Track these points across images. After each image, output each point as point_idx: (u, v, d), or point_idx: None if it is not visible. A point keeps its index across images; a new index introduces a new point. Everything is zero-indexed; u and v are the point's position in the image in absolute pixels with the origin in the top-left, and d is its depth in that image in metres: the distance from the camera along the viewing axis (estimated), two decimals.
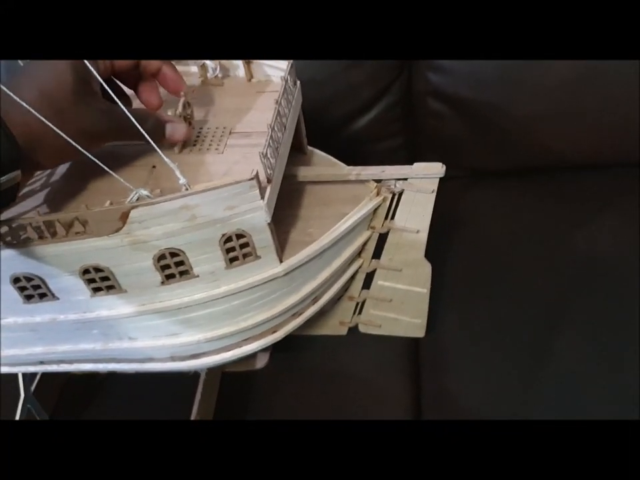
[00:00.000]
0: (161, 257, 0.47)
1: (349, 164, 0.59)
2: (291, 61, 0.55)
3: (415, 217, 0.55)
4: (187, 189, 0.44)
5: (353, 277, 0.61)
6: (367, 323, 0.65)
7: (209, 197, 0.44)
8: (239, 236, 0.47)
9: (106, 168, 0.43)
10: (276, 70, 0.57)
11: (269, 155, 0.47)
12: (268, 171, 0.47)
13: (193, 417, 0.62)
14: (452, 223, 0.79)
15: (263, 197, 0.46)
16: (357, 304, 0.64)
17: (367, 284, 0.62)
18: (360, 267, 0.60)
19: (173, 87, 0.52)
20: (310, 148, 0.60)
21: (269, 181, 0.47)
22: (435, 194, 0.53)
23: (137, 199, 0.44)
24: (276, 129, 0.49)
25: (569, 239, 0.75)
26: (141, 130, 0.42)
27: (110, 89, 0.45)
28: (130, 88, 0.53)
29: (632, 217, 0.76)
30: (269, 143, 0.48)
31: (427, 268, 0.58)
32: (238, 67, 0.59)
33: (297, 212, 0.55)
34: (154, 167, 0.51)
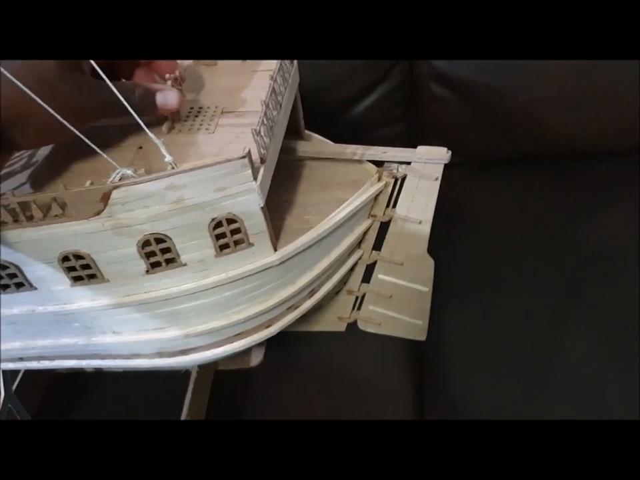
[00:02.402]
0: (146, 242, 0.44)
1: None
2: None
3: (418, 206, 0.52)
4: (173, 168, 0.41)
5: (352, 269, 0.57)
6: (366, 319, 0.61)
7: (197, 176, 0.41)
8: (230, 221, 0.44)
9: (90, 143, 0.39)
10: None
11: (262, 134, 0.44)
12: (261, 150, 0.44)
13: (183, 417, 0.59)
14: (454, 213, 0.76)
15: (255, 178, 0.42)
16: (356, 298, 0.60)
17: (367, 277, 0.58)
18: (360, 258, 0.56)
19: (170, 73, 0.48)
20: (307, 132, 0.57)
21: (262, 161, 0.44)
22: (439, 182, 0.50)
23: (120, 179, 0.41)
24: (270, 106, 0.46)
25: (576, 231, 0.72)
26: (125, 103, 0.39)
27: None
28: (125, 78, 0.50)
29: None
30: (263, 120, 0.44)
31: (429, 264, 0.55)
32: None
33: (293, 197, 0.52)
34: (140, 147, 0.48)
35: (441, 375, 0.61)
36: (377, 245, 0.56)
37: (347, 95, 0.77)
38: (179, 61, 0.53)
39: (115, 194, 0.41)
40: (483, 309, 0.65)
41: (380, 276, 0.57)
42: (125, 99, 0.43)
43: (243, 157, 0.41)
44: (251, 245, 0.46)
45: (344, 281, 0.58)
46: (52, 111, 0.37)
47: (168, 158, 0.41)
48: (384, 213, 0.53)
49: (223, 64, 0.55)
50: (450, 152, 0.49)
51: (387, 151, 0.50)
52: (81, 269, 0.45)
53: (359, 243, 0.55)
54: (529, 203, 0.76)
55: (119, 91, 0.42)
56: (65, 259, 0.44)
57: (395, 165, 0.51)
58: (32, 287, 0.46)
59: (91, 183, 0.41)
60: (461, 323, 0.64)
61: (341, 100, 0.77)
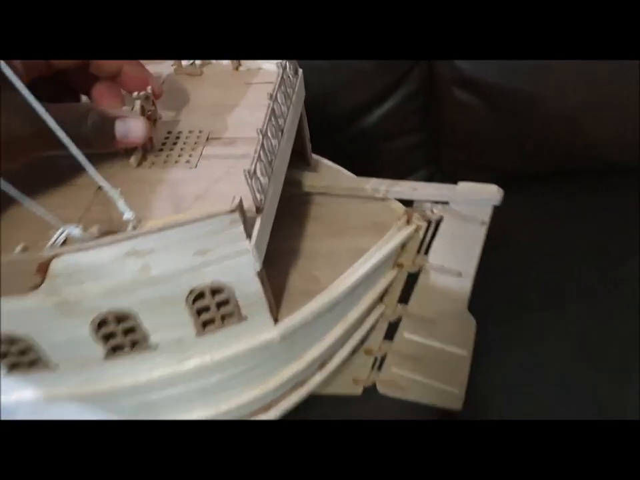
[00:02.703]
0: (102, 322, 0.33)
1: (357, 166, 0.45)
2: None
3: (457, 254, 0.41)
4: (134, 228, 0.30)
5: (372, 327, 0.46)
6: (387, 383, 0.50)
7: (169, 239, 0.30)
8: (215, 291, 0.33)
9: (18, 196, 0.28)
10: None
11: (258, 173, 0.33)
12: (257, 195, 0.33)
13: None
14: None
15: (249, 236, 0.31)
16: (376, 359, 0.49)
17: (390, 334, 0.47)
18: (382, 314, 0.45)
19: (140, 88, 0.37)
20: (315, 157, 0.46)
21: (258, 210, 0.33)
22: (486, 226, 0.39)
23: (64, 241, 0.30)
24: (269, 134, 0.35)
25: (620, 260, 0.61)
26: (60, 134, 0.28)
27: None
28: (81, 92, 0.39)
29: None
30: (259, 154, 0.33)
31: (470, 323, 0.44)
32: None
33: (299, 245, 0.41)
34: (99, 188, 0.36)
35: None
36: (403, 297, 0.45)
37: (356, 102, 0.66)
38: (155, 71, 0.42)
39: (56, 264, 0.30)
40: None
41: (406, 334, 0.46)
42: (74, 127, 0.33)
43: (232, 211, 0.30)
44: (243, 318, 0.35)
45: (362, 340, 0.47)
46: None
47: (127, 214, 0.30)
48: (413, 262, 0.42)
49: (209, 73, 0.44)
50: (502, 191, 0.37)
51: (417, 188, 0.39)
52: (17, 355, 0.34)
53: (380, 297, 0.44)
54: (564, 228, 0.65)
55: (67, 116, 0.32)
56: None
57: (429, 204, 0.40)
58: None
59: (24, 248, 0.30)
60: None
61: (349, 108, 0.66)
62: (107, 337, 0.33)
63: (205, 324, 0.34)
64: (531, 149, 0.68)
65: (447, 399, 0.49)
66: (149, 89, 0.37)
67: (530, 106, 0.66)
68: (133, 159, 0.37)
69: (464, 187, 0.38)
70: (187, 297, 0.33)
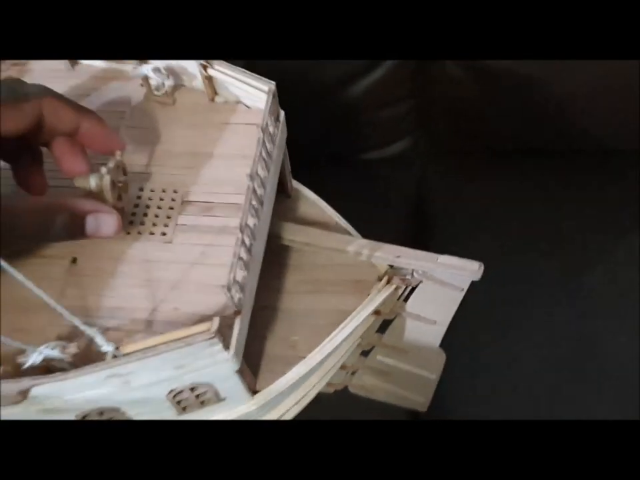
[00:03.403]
0: (87, 415, 0.33)
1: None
2: (272, 85, 0.37)
3: (434, 308, 0.41)
4: (114, 356, 0.30)
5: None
6: (358, 387, 0.53)
7: (148, 362, 0.30)
8: (195, 388, 0.33)
9: None
10: (247, 90, 0.39)
11: (237, 277, 0.32)
12: (236, 299, 0.32)
13: None
14: (462, 209, 0.65)
15: (228, 347, 0.31)
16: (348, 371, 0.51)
17: (364, 352, 0.49)
18: (358, 344, 0.46)
19: (104, 147, 0.35)
20: (295, 186, 0.44)
21: (237, 313, 0.32)
22: (464, 292, 0.39)
23: (41, 360, 0.30)
24: (249, 224, 0.34)
25: (598, 246, 0.62)
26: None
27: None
28: (42, 146, 0.36)
29: None
30: (239, 255, 0.32)
31: (440, 357, 0.46)
32: (195, 77, 0.40)
33: (276, 302, 0.41)
34: (74, 260, 0.35)
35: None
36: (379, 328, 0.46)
37: (344, 70, 0.61)
38: (123, 94, 0.39)
39: (36, 390, 0.30)
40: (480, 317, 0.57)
41: (379, 357, 0.48)
42: (42, 229, 0.32)
43: (212, 337, 0.30)
44: (221, 399, 0.36)
45: None
46: None
47: (106, 347, 0.30)
48: (391, 310, 0.42)
49: (182, 104, 0.41)
50: (482, 267, 0.37)
51: (400, 255, 0.39)
52: None
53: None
54: (545, 206, 0.65)
55: (35, 219, 0.31)
56: None
57: (410, 269, 0.39)
58: None
59: (4, 371, 0.30)
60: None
61: (337, 76, 0.61)
62: (90, 419, 0.34)
63: (185, 408, 0.35)
64: (518, 125, 0.66)
65: (413, 404, 0.52)
66: (117, 154, 0.35)
67: (521, 81, 0.63)
68: None
69: (446, 259, 0.38)
70: (167, 394, 0.33)
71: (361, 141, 0.69)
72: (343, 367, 0.50)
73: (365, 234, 0.43)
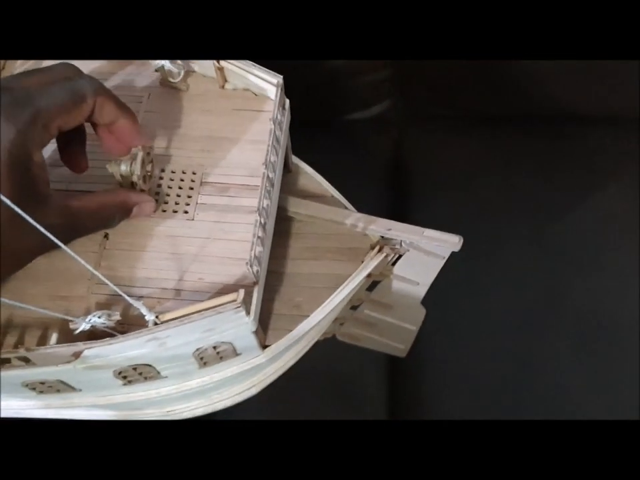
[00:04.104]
0: (123, 370, 0.39)
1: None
2: (280, 79, 0.41)
3: (418, 271, 0.47)
4: (155, 323, 0.35)
5: None
6: (345, 335, 0.59)
7: (183, 330, 0.35)
8: (217, 346, 0.39)
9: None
10: (255, 80, 0.43)
11: (256, 253, 0.37)
12: (255, 270, 0.37)
13: None
14: (436, 170, 0.70)
15: (249, 312, 0.37)
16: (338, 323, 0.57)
17: (353, 306, 0.55)
18: (348, 301, 0.52)
19: (132, 142, 0.39)
20: (295, 161, 0.49)
21: (255, 283, 0.38)
22: (445, 260, 0.45)
23: (90, 326, 0.35)
24: (264, 205, 0.38)
25: (570, 210, 0.68)
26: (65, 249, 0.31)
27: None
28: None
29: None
30: (258, 235, 0.37)
31: (420, 312, 0.52)
32: (206, 65, 0.44)
33: (281, 267, 0.46)
34: (106, 236, 0.40)
35: (413, 378, 0.62)
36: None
37: None
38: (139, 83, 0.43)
39: (87, 352, 0.35)
40: (458, 309, 0.64)
41: (366, 311, 0.54)
42: (99, 221, 0.37)
43: (238, 307, 0.35)
44: (238, 354, 0.41)
45: None
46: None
47: (149, 316, 0.35)
48: (381, 273, 0.48)
49: (195, 90, 0.45)
50: (462, 240, 0.43)
51: (391, 228, 0.44)
52: (46, 388, 0.40)
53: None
54: (517, 172, 0.70)
55: (92, 211, 0.38)
56: (27, 384, 0.39)
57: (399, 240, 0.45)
58: None
59: (59, 339, 0.35)
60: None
61: None
62: (125, 376, 0.40)
63: (205, 362, 0.41)
64: (489, 92, 0.71)
65: (394, 350, 0.59)
66: (146, 148, 0.39)
67: None
68: None
69: (431, 233, 0.43)
70: (194, 352, 0.39)
71: (343, 104, 0.74)
72: (334, 320, 0.56)
73: (346, 190, 0.48)
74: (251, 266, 0.36)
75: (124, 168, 0.38)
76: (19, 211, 0.25)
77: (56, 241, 0.29)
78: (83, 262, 0.31)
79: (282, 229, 0.47)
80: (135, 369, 0.39)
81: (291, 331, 0.43)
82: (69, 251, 0.30)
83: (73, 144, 0.39)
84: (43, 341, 0.38)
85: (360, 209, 0.47)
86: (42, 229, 0.27)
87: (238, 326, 0.37)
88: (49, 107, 0.34)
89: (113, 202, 0.38)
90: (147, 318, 0.35)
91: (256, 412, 0.61)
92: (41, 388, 0.40)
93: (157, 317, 0.35)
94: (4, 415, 0.45)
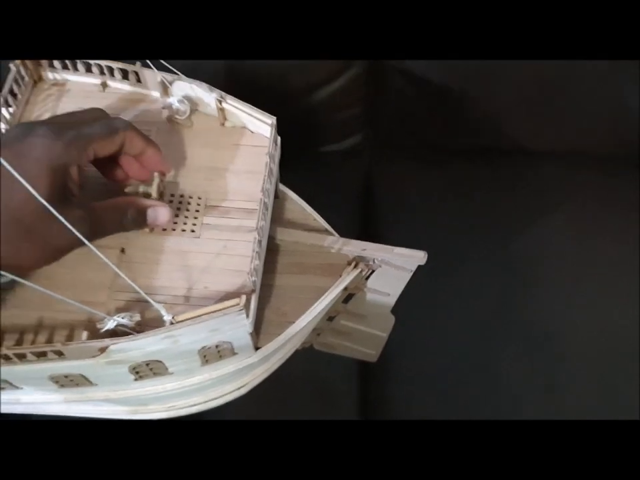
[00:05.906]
0: (137, 366, 0.45)
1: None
2: (274, 119, 0.49)
3: (389, 283, 0.55)
4: (171, 323, 0.42)
5: None
6: (322, 344, 0.66)
7: (194, 329, 0.42)
8: (219, 345, 0.46)
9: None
10: (252, 120, 0.50)
11: (254, 266, 0.44)
12: (252, 279, 0.44)
13: None
14: (403, 202, 0.78)
15: (248, 315, 0.44)
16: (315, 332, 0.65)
17: (330, 317, 0.62)
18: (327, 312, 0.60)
19: (157, 169, 0.47)
20: (282, 189, 0.56)
21: (253, 291, 0.45)
22: (412, 273, 0.53)
23: (115, 326, 0.42)
24: (261, 231, 0.46)
25: (522, 233, 0.77)
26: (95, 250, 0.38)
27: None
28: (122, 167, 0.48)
29: (587, 213, 0.78)
30: (256, 250, 0.44)
31: (390, 319, 0.59)
32: (208, 105, 0.51)
33: (271, 281, 0.53)
34: (122, 250, 0.47)
35: (384, 379, 0.69)
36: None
37: (308, 81, 0.74)
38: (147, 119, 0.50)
39: (112, 347, 0.41)
40: (423, 318, 0.71)
41: (342, 321, 0.61)
42: (117, 221, 0.43)
43: (241, 310, 0.42)
44: (235, 353, 0.48)
45: None
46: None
47: (167, 317, 0.41)
48: (356, 287, 0.56)
49: (198, 127, 0.52)
50: (427, 255, 0.51)
51: (366, 248, 0.52)
52: (68, 382, 0.46)
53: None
54: (477, 200, 0.79)
55: (112, 214, 0.44)
56: (53, 377, 0.45)
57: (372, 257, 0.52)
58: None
59: (88, 336, 0.41)
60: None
61: (302, 86, 0.74)
62: (138, 372, 0.46)
63: (207, 360, 0.47)
64: (452, 129, 0.80)
65: (366, 356, 0.66)
66: (164, 170, 0.46)
67: (461, 103, 0.76)
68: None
69: (399, 250, 0.51)
70: (199, 350, 0.45)
71: (319, 137, 0.82)
72: (313, 330, 0.64)
73: (323, 215, 0.55)
74: (251, 276, 0.43)
75: (142, 189, 0.45)
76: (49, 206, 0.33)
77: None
78: (105, 259, 0.37)
79: (271, 247, 0.55)
80: (147, 364, 0.45)
81: (279, 335, 0.50)
82: (92, 247, 0.36)
83: (109, 167, 0.47)
84: (69, 339, 0.44)
85: (336, 231, 0.55)
86: (66, 223, 0.34)
87: (238, 327, 0.44)
88: (89, 134, 0.41)
89: (128, 202, 0.45)
90: (164, 318, 0.41)
91: (240, 412, 0.67)
92: (63, 382, 0.46)
93: (173, 317, 0.42)
94: (23, 410, 0.51)
